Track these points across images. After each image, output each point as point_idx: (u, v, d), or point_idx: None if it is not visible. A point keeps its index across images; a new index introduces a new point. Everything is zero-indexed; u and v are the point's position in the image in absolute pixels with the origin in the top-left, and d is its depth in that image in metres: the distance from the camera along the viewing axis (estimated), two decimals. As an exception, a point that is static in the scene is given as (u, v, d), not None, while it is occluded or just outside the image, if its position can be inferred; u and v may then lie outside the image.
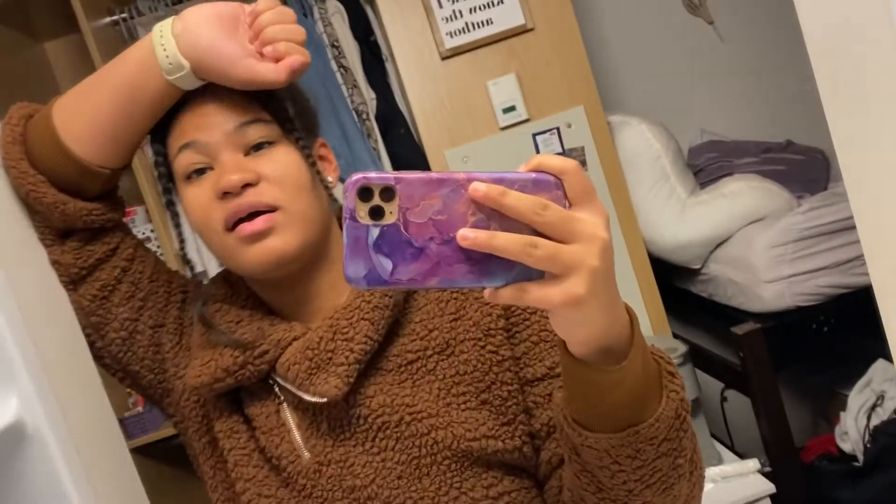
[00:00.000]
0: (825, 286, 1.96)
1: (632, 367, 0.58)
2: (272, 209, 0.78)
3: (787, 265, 1.95)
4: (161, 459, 2.33)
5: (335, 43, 2.23)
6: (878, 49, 0.86)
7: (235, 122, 0.79)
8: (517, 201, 0.50)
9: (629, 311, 0.59)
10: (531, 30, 2.12)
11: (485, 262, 0.51)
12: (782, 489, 1.84)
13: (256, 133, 0.80)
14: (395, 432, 0.78)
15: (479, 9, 2.10)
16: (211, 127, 0.79)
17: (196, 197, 0.80)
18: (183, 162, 0.80)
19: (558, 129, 2.13)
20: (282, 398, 0.82)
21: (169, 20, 0.78)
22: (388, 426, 0.78)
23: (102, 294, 0.87)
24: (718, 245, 2.18)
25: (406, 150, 2.25)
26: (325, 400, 0.77)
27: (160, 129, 0.83)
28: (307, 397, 0.78)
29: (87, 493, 0.76)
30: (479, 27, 2.11)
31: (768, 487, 1.82)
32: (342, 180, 0.72)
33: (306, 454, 0.80)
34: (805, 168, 2.42)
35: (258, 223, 0.77)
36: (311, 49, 2.21)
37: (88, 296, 0.87)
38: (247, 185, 0.77)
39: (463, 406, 0.79)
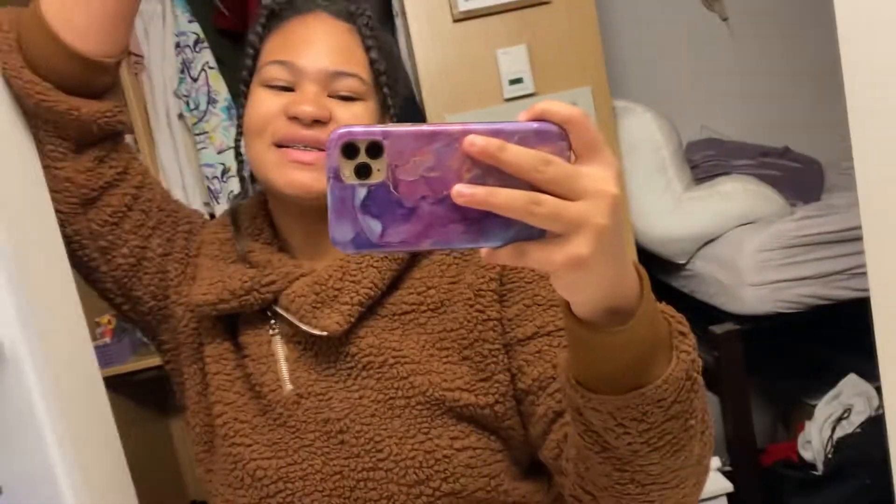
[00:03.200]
0: (807, 296, 1.97)
1: (639, 328, 0.54)
2: None
3: (774, 270, 1.95)
4: (123, 394, 2.30)
5: (347, -8, 2.17)
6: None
7: (336, 68, 0.82)
8: (517, 157, 0.45)
9: (638, 269, 0.55)
10: (548, 2, 2.08)
11: (482, 221, 0.47)
12: (740, 489, 1.87)
13: (348, 85, 0.83)
14: (378, 373, 0.80)
15: (498, -26, 2.05)
16: (313, 60, 0.82)
17: (266, 103, 0.82)
18: (271, 72, 0.83)
19: (563, 107, 2.10)
20: (276, 330, 0.85)
21: None
22: (372, 366, 0.81)
23: (113, 220, 0.87)
24: (707, 243, 2.18)
25: (406, 112, 2.21)
26: (324, 333, 0.80)
27: (267, 20, 0.87)
28: (307, 328, 0.80)
29: (58, 420, 0.74)
30: (496, -7, 2.06)
31: (727, 486, 1.84)
32: None
33: (289, 386, 0.82)
34: (800, 176, 2.42)
35: (309, 156, 0.80)
36: None
37: (99, 220, 0.86)
38: (316, 122, 0.80)
39: (445, 360, 0.81)
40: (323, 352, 0.83)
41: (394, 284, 0.84)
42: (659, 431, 0.60)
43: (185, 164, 2.13)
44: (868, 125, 0.96)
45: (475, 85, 2.11)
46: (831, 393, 1.98)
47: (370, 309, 0.83)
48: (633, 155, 2.20)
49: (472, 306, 0.82)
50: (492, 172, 0.46)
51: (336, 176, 0.45)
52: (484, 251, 0.48)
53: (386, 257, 0.82)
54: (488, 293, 0.82)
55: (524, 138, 0.46)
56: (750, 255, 1.98)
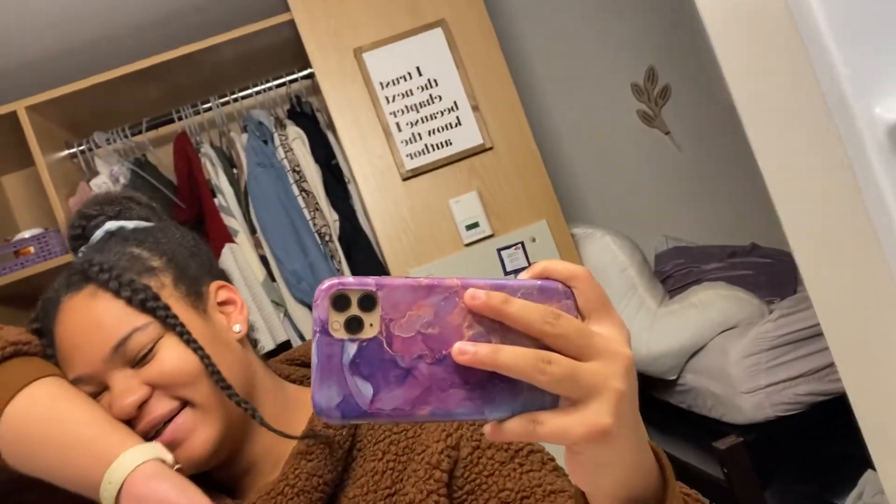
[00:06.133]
0: (804, 394, 1.91)
1: None
2: (181, 407, 0.75)
3: (764, 375, 1.90)
4: None
5: (296, 168, 2.22)
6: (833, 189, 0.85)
7: (111, 344, 0.75)
8: (523, 310, 0.41)
9: (657, 451, 0.49)
10: (490, 149, 2.14)
11: (486, 387, 0.42)
12: None
13: (136, 344, 0.75)
14: None
15: (438, 130, 2.12)
16: (88, 356, 0.75)
17: (108, 409, 0.76)
18: (83, 388, 0.76)
19: (523, 243, 2.11)
20: None
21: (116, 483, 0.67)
22: None
23: None
24: (693, 355, 2.14)
25: (370, 271, 2.21)
26: None
27: (41, 336, 0.80)
28: None
29: None
30: (438, 148, 2.12)
31: None
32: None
33: None
34: (772, 271, 2.42)
35: (167, 434, 0.74)
36: (273, 175, 2.20)
37: None
38: (143, 403, 0.74)
39: None
40: None
41: None
42: None
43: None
44: (805, 234, 0.96)
45: (433, 236, 2.13)
46: (853, 493, 1.88)
47: None
48: (600, 279, 2.19)
49: None
50: (496, 330, 0.42)
51: (324, 329, 0.40)
52: (488, 429, 0.42)
53: (303, 490, 0.74)
54: None
55: (528, 294, 0.43)
56: (737, 362, 1.94)
